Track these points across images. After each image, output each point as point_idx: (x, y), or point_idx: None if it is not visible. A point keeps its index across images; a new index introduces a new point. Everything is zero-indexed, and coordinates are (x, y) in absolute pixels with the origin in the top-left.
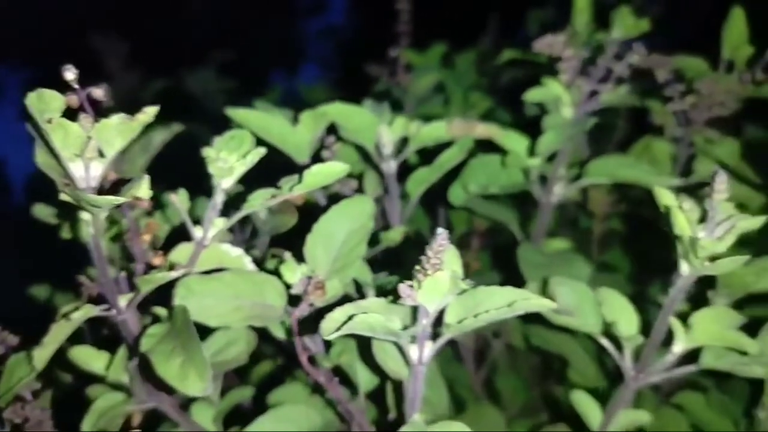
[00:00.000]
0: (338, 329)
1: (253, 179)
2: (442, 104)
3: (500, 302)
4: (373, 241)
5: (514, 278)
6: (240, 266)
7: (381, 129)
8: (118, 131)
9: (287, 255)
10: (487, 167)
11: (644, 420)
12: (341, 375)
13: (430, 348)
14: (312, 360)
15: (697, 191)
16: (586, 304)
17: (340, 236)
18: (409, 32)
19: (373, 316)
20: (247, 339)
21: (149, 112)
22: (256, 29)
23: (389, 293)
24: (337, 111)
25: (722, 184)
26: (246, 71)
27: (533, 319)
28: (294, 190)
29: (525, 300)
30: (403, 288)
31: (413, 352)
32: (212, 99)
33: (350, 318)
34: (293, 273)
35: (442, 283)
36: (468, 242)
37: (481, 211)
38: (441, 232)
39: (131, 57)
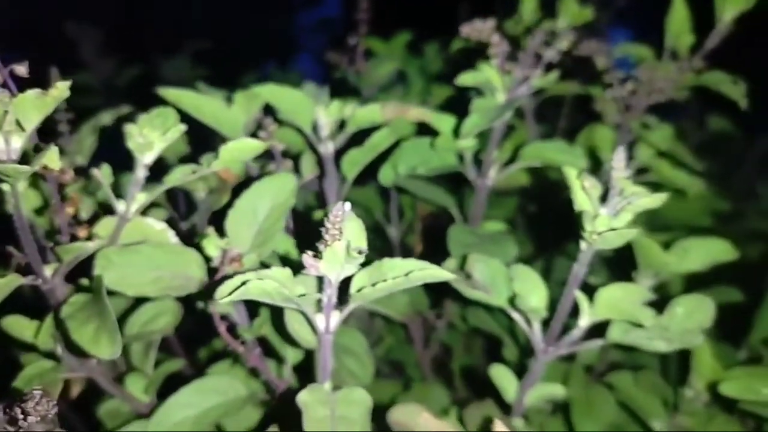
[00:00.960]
0: (231, 294)
1: None
2: (402, 93)
3: (400, 273)
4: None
5: None
6: (163, 240)
7: (318, 111)
8: (34, 106)
9: (210, 229)
10: (420, 149)
11: (558, 393)
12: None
13: (336, 317)
14: (233, 331)
15: None
16: (500, 279)
17: (263, 211)
18: (369, 20)
19: (268, 282)
20: (173, 311)
21: (61, 87)
22: (250, 20)
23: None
24: (270, 92)
25: (620, 162)
26: (236, 61)
27: (473, 301)
28: (212, 165)
29: (421, 270)
30: (306, 258)
31: (320, 321)
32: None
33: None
34: (213, 246)
35: (338, 253)
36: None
37: (420, 194)
38: (339, 205)
39: (108, 45)
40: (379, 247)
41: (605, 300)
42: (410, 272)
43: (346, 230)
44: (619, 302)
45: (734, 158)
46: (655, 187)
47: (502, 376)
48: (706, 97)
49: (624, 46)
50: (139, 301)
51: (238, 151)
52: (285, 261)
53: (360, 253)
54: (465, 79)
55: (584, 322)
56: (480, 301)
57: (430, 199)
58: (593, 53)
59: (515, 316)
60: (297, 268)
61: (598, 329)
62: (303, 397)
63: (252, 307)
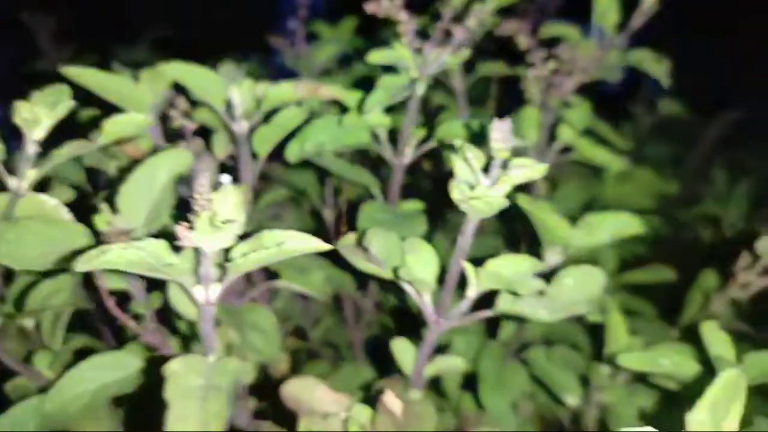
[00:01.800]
0: (90, 262)
1: None
2: (344, 76)
3: (273, 243)
4: None
5: None
6: (56, 216)
7: (231, 90)
8: None
9: (103, 205)
10: (328, 126)
11: (457, 365)
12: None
13: (216, 289)
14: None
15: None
16: (395, 252)
17: (157, 186)
18: (309, 5)
19: (132, 251)
20: (71, 287)
21: None
22: (228, 5)
23: None
24: (178, 70)
25: (499, 132)
26: (208, 49)
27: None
28: (98, 140)
29: (295, 240)
30: (179, 229)
31: (198, 293)
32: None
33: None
34: (102, 222)
35: (207, 224)
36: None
37: (342, 174)
38: (204, 175)
39: (66, 33)
40: (316, 229)
41: (489, 271)
42: (282, 243)
43: (224, 202)
44: (501, 272)
45: (686, 142)
46: (581, 166)
47: (401, 349)
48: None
49: (551, 25)
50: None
51: (121, 124)
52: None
53: (231, 224)
54: (375, 56)
55: (471, 292)
56: (374, 274)
57: (352, 179)
58: (514, 33)
59: (407, 288)
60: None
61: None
62: (172, 366)
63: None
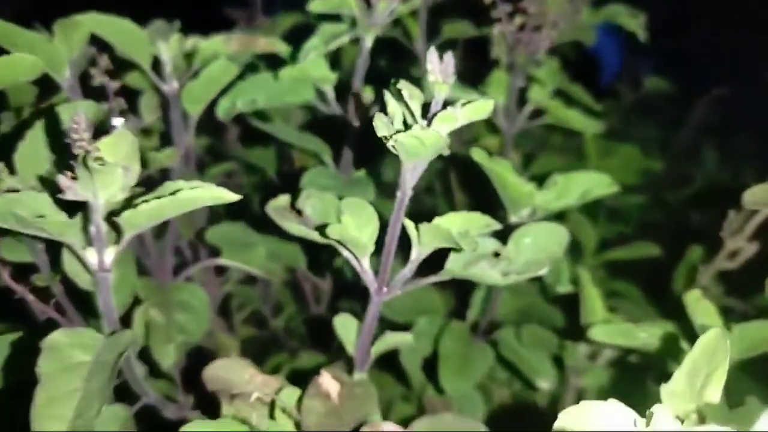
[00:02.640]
0: None
1: None
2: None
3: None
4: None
5: None
6: None
7: (159, 45)
8: None
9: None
10: (265, 82)
11: (408, 341)
12: None
13: (111, 252)
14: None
15: None
16: (332, 214)
17: (60, 142)
18: None
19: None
20: None
21: None
22: None
23: None
24: (95, 22)
25: (434, 64)
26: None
27: None
28: None
29: (193, 190)
30: (61, 179)
31: (90, 256)
32: None
33: None
34: None
35: (84, 170)
36: None
37: (285, 138)
38: (79, 114)
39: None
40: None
41: (433, 226)
42: (178, 191)
43: (114, 149)
44: (447, 229)
45: (673, 120)
46: (552, 132)
47: (344, 326)
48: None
49: None
50: None
51: (5, 68)
52: None
53: (118, 170)
54: (316, 5)
55: (415, 254)
56: (306, 237)
57: (300, 146)
58: None
59: (344, 253)
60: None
61: None
62: (53, 337)
63: None
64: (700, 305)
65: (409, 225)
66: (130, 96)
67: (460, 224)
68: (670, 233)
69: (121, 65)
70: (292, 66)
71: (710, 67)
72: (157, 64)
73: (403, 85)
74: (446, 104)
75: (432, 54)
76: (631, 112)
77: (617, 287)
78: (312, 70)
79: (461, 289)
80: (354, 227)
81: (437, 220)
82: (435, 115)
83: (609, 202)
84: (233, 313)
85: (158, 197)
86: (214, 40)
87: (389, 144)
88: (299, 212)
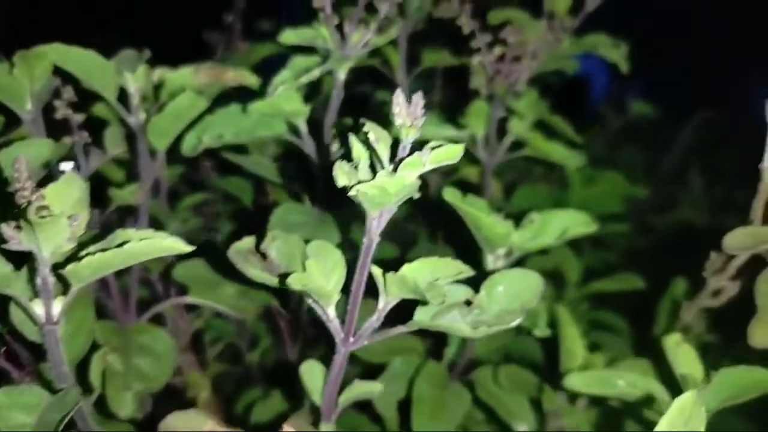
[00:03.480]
0: None
1: None
2: None
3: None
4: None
5: None
6: None
7: (126, 77)
8: None
9: None
10: (233, 116)
11: (376, 390)
12: None
13: (59, 304)
14: None
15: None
16: (297, 258)
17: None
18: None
19: None
20: None
21: None
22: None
23: None
24: (58, 54)
25: (400, 106)
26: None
27: None
28: None
29: (145, 241)
30: (5, 229)
31: (37, 308)
32: None
33: None
34: None
35: (28, 220)
36: None
37: (256, 172)
38: (20, 158)
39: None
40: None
41: (398, 277)
42: (126, 242)
43: (61, 196)
44: (413, 278)
45: (659, 144)
46: (535, 163)
47: (310, 373)
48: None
49: (499, 11)
50: None
51: None
52: None
53: (63, 220)
54: (288, 36)
55: (382, 304)
56: (266, 283)
57: (271, 180)
58: (454, 15)
59: (309, 300)
60: None
61: None
62: None
63: None
64: (680, 351)
65: (377, 273)
66: (99, 126)
67: (429, 272)
68: (657, 260)
69: (87, 95)
70: (262, 100)
71: (697, 89)
72: (124, 95)
73: (370, 128)
74: (417, 145)
75: (398, 96)
76: (617, 137)
77: (603, 318)
78: (284, 104)
79: None
80: (319, 273)
81: (406, 269)
82: (401, 160)
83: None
84: (206, 347)
85: (104, 249)
86: (182, 72)
87: (351, 194)
88: (264, 255)
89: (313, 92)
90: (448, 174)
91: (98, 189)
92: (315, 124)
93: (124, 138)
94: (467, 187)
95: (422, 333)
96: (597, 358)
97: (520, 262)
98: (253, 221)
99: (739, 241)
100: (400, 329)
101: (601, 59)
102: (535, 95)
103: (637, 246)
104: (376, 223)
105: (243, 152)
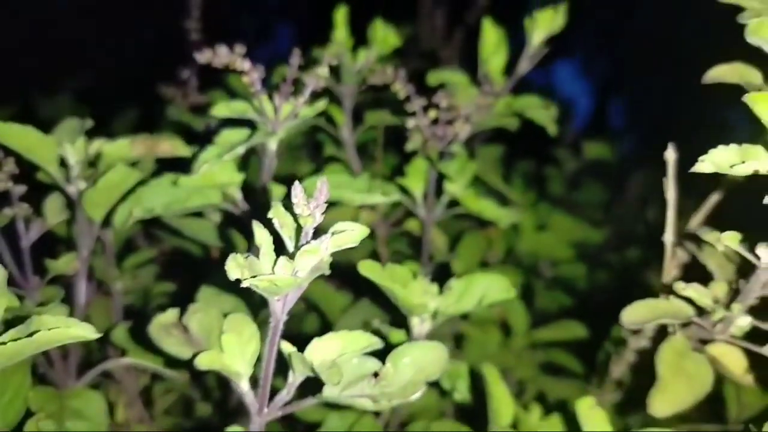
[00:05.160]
0: None
1: None
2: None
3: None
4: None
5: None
6: None
7: (66, 149)
8: None
9: None
10: (165, 188)
11: None
12: None
13: None
14: None
15: None
16: (215, 332)
17: None
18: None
19: None
20: None
21: None
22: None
23: None
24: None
25: (298, 197)
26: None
27: None
28: None
29: (47, 332)
30: None
31: None
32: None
33: None
34: None
35: None
36: None
37: (192, 235)
38: None
39: None
40: None
41: (298, 358)
42: (36, 331)
43: None
44: (308, 361)
45: (612, 186)
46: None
47: None
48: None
49: (437, 73)
50: None
51: None
52: None
53: None
54: (219, 109)
55: (291, 378)
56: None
57: (207, 243)
58: (389, 81)
59: (224, 374)
60: None
61: None
62: None
63: None
64: (591, 414)
65: (286, 350)
66: (43, 191)
67: (340, 345)
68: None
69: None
70: (193, 174)
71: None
72: (62, 166)
73: (275, 214)
74: (321, 230)
75: (296, 188)
76: (572, 178)
77: (555, 357)
78: (217, 176)
79: None
80: (235, 346)
81: (315, 344)
82: (300, 248)
83: (551, 272)
84: (156, 400)
85: (16, 339)
86: (118, 143)
87: (243, 285)
88: (185, 328)
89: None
90: (396, 225)
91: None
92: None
93: (65, 206)
94: (412, 239)
95: None
96: (529, 414)
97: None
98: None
99: (638, 314)
100: (310, 401)
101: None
102: (464, 157)
103: (594, 286)
104: (280, 305)
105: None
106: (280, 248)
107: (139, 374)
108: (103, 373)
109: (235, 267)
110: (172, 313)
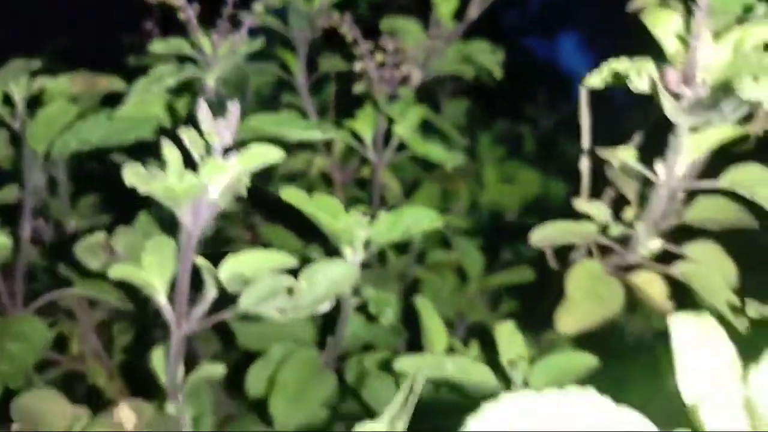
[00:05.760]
0: None
1: None
2: None
3: None
4: None
5: None
6: None
7: (11, 86)
8: None
9: None
10: (101, 122)
11: (219, 373)
12: None
13: None
14: None
15: None
16: (139, 251)
17: None
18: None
19: None
20: None
21: None
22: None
23: None
24: None
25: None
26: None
27: None
28: None
29: None
30: None
31: None
32: None
33: None
34: None
35: None
36: None
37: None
38: None
39: None
40: None
41: (207, 269)
42: None
43: None
44: (214, 272)
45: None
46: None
47: (158, 357)
48: None
49: (389, 19)
50: None
51: None
52: None
53: None
54: (156, 46)
55: (210, 293)
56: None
57: None
58: (336, 24)
59: (147, 291)
60: None
61: None
62: None
63: None
64: (509, 338)
65: (201, 264)
66: None
67: (256, 262)
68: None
69: None
70: (127, 106)
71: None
72: (7, 103)
73: (185, 134)
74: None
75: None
76: (546, 136)
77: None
78: (152, 108)
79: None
80: (153, 262)
81: (231, 259)
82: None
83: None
84: (114, 337)
85: None
86: (59, 80)
87: (141, 192)
88: (112, 249)
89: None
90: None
91: None
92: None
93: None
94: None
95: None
96: (468, 348)
97: (421, 256)
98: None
99: (544, 234)
100: (226, 314)
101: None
102: (410, 99)
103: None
104: (189, 218)
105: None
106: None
107: (95, 311)
108: (60, 309)
109: (133, 175)
110: (100, 235)
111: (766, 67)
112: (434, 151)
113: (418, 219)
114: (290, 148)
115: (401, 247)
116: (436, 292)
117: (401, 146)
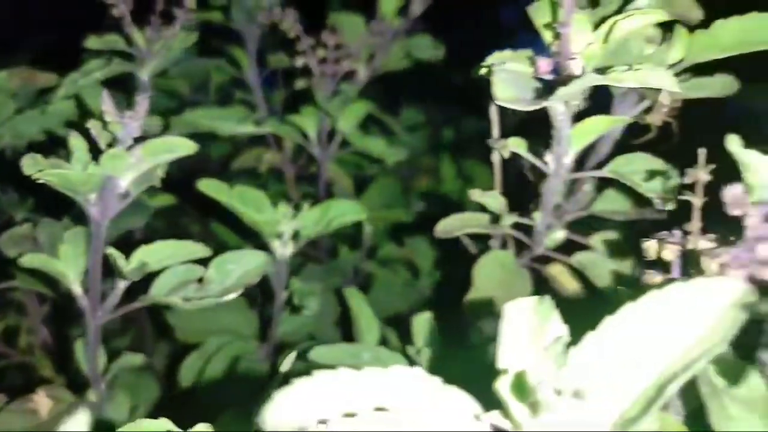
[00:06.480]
0: None
1: None
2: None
3: None
4: None
5: None
6: None
7: None
8: None
9: None
10: (34, 116)
11: (137, 362)
12: None
13: None
14: None
15: None
16: (58, 243)
17: None
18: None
19: None
20: None
21: None
22: None
23: None
24: None
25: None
26: None
27: None
28: None
29: None
30: None
31: None
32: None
33: None
34: None
35: None
36: None
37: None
38: None
39: None
40: None
41: (117, 259)
42: None
43: None
44: (119, 264)
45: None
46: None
47: (79, 347)
48: None
49: (335, 15)
50: None
51: None
52: None
53: None
54: (92, 42)
55: (122, 283)
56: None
57: None
58: (279, 20)
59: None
60: None
61: None
62: None
63: None
64: (422, 327)
65: (112, 255)
66: None
67: (167, 252)
68: None
69: None
70: (61, 101)
71: None
72: None
73: (92, 125)
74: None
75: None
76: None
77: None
78: (89, 102)
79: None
80: (69, 254)
81: (144, 249)
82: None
83: None
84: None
85: None
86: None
87: (37, 180)
88: (35, 239)
89: None
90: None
91: None
92: None
93: None
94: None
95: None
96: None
97: (372, 252)
98: None
99: (448, 225)
100: (138, 304)
101: None
102: (351, 95)
103: None
104: (96, 209)
105: None
106: None
107: (43, 303)
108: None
109: (31, 164)
110: (26, 227)
111: (633, 56)
112: (374, 145)
113: (342, 212)
114: (243, 144)
115: (352, 243)
116: (388, 287)
117: (346, 142)
